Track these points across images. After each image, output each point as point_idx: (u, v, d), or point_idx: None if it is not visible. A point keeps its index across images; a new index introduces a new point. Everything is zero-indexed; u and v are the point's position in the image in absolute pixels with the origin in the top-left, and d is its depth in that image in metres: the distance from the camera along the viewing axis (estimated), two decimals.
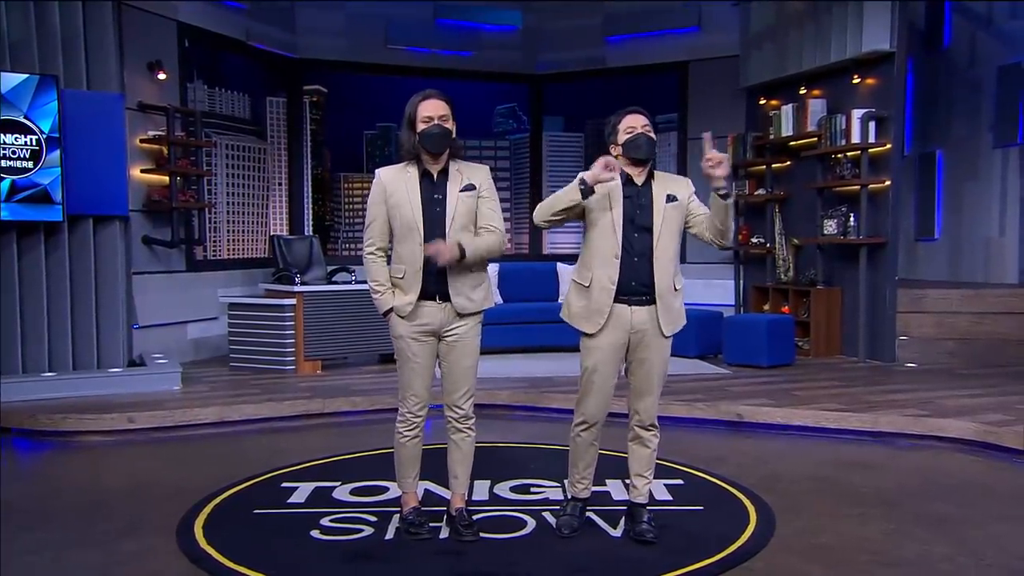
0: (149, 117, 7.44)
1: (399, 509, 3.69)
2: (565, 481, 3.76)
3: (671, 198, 3.42)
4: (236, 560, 3.31)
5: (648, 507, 3.63)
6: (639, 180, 3.44)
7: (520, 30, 10.15)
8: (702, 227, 3.46)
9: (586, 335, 3.46)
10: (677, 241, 3.46)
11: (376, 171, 3.52)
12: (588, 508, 3.76)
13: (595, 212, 3.40)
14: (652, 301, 3.40)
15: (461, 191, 3.42)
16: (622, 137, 3.43)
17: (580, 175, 3.34)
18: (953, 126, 9.13)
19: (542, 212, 3.45)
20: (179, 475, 4.58)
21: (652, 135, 3.43)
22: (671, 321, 3.44)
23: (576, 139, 10.64)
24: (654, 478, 3.71)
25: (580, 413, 3.56)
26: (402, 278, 3.44)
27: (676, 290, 3.47)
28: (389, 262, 3.51)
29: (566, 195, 3.36)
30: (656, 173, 3.50)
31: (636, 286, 3.38)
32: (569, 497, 3.73)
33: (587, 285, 3.43)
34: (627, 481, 3.72)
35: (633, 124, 3.42)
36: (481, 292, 3.50)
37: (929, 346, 7.48)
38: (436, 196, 3.41)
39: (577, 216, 3.44)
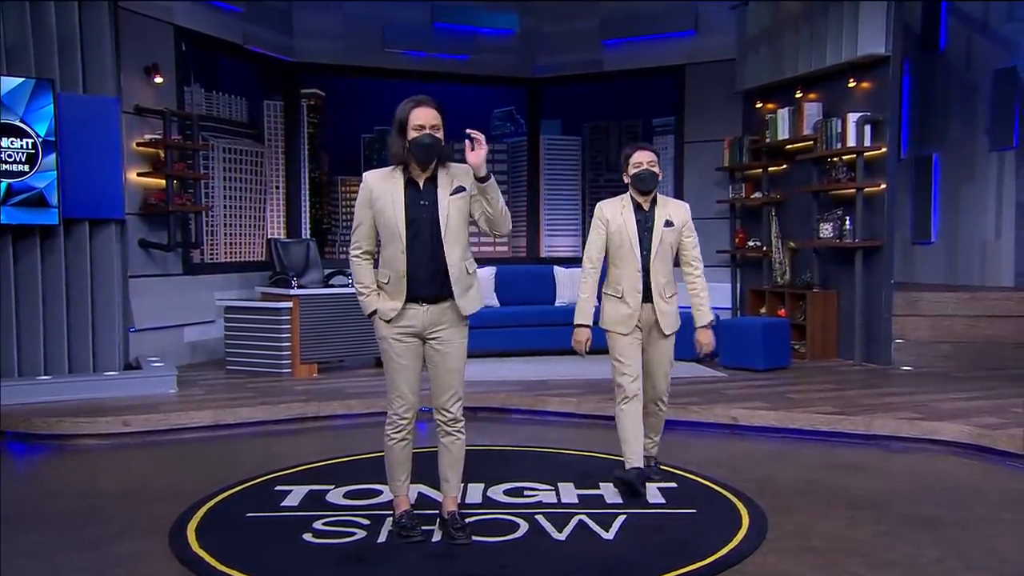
0: (146, 120, 7.45)
1: (392, 512, 3.70)
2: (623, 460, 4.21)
3: (669, 223, 4.12)
4: (228, 563, 3.32)
5: (656, 459, 4.41)
6: (646, 207, 4.15)
7: (517, 34, 10.16)
8: (685, 277, 4.24)
9: (616, 332, 4.15)
10: (670, 258, 4.17)
11: (364, 174, 3.53)
12: (581, 511, 3.90)
13: (617, 238, 4.13)
14: (650, 300, 4.13)
15: (452, 195, 3.45)
16: (631, 170, 4.12)
17: (580, 327, 4.18)
18: (949, 129, 9.13)
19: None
20: (173, 478, 4.59)
21: (655, 169, 4.10)
22: (668, 323, 4.17)
23: (574, 142, 10.67)
24: (648, 481, 4.24)
25: (620, 388, 4.16)
26: (387, 283, 3.47)
27: (668, 298, 4.17)
28: (377, 264, 3.54)
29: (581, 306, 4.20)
30: (659, 198, 4.18)
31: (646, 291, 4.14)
32: (632, 467, 4.10)
33: (620, 296, 4.13)
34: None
35: (640, 160, 4.09)
36: (476, 293, 3.57)
37: (925, 349, 7.48)
38: (423, 203, 3.42)
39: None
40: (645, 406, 4.21)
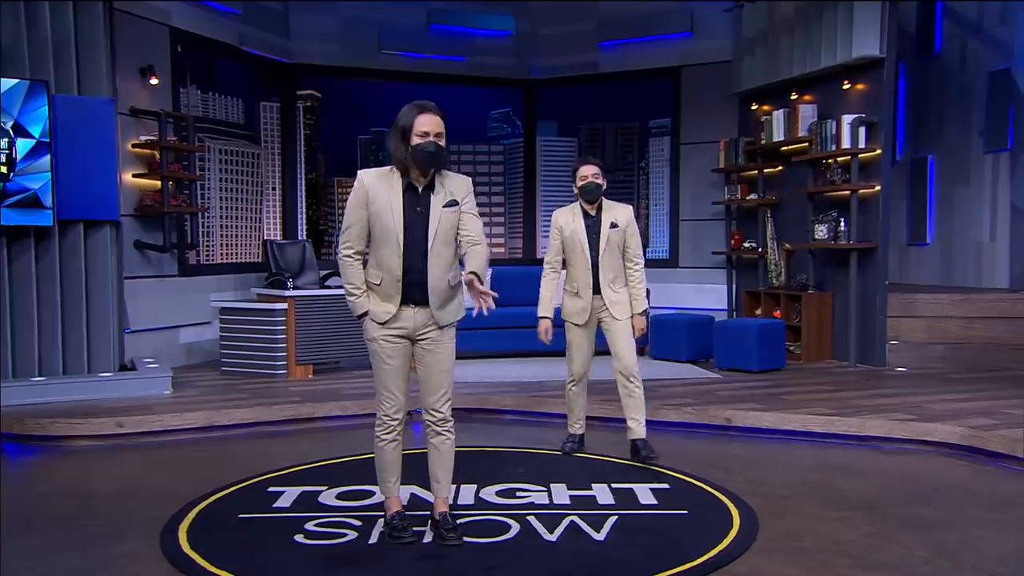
0: (141, 122, 7.46)
1: (383, 513, 3.70)
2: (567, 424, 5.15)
3: (614, 225, 4.76)
4: (219, 565, 3.32)
5: (645, 440, 4.78)
6: (592, 212, 4.79)
7: (513, 35, 10.17)
8: (627, 274, 4.84)
9: (570, 323, 4.86)
10: (617, 256, 4.79)
11: (358, 173, 3.48)
12: (573, 512, 3.92)
13: (570, 242, 4.78)
14: (598, 292, 4.77)
15: (444, 207, 3.44)
16: (579, 182, 4.76)
17: (541, 319, 4.87)
18: (944, 131, 9.15)
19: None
20: (166, 480, 4.59)
21: (599, 180, 4.72)
22: (620, 310, 4.78)
23: (570, 144, 10.67)
24: (640, 482, 4.39)
25: (570, 373, 4.97)
26: (379, 284, 3.46)
27: (617, 289, 4.79)
28: (364, 264, 3.53)
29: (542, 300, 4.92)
30: (604, 203, 4.82)
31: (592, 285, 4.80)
32: (569, 434, 5.08)
33: (576, 291, 4.81)
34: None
35: (585, 174, 4.73)
36: (456, 305, 3.57)
37: (920, 350, 7.49)
38: (419, 209, 3.42)
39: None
40: (619, 384, 4.80)
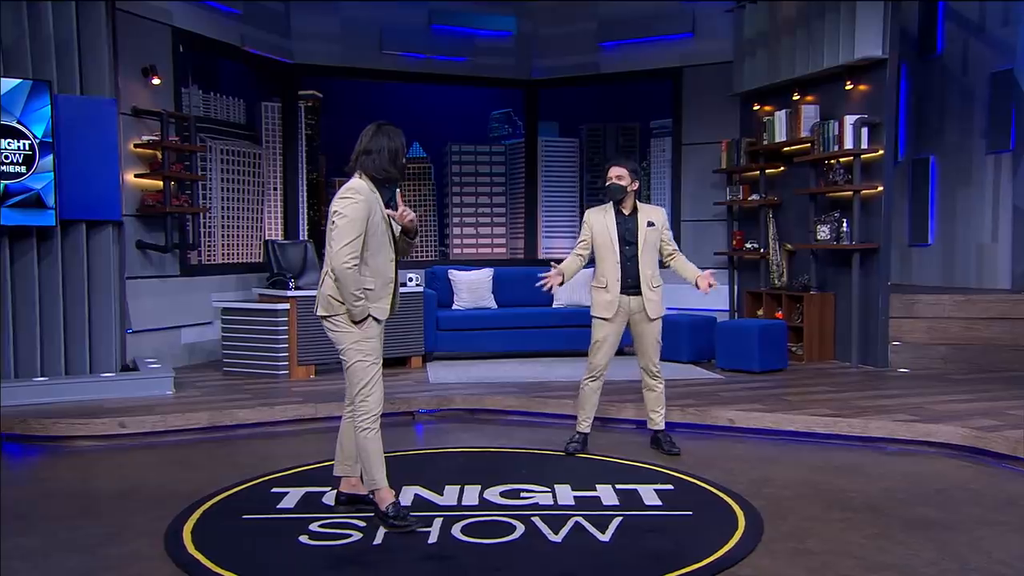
0: (143, 122, 7.45)
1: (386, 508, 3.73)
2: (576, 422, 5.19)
3: (650, 224, 4.95)
4: (223, 565, 3.32)
5: (666, 432, 5.14)
6: (627, 212, 4.97)
7: (515, 36, 10.17)
8: (670, 262, 5.08)
9: (599, 317, 4.95)
10: (654, 253, 4.99)
11: (358, 186, 3.69)
12: (577, 513, 3.92)
13: (600, 238, 4.93)
14: (639, 292, 4.91)
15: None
16: (606, 182, 4.96)
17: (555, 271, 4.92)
18: (946, 132, 9.14)
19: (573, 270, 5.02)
20: (169, 480, 4.58)
21: (622, 183, 4.89)
22: (653, 309, 4.94)
23: (571, 144, 10.68)
24: (644, 483, 4.38)
25: (590, 367, 5.02)
26: (372, 290, 3.72)
27: (654, 288, 4.96)
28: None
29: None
30: (640, 205, 5.01)
31: (630, 281, 4.92)
32: (577, 432, 5.11)
33: (604, 286, 4.92)
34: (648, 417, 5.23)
35: (610, 175, 4.93)
36: None
37: (921, 351, 7.49)
38: (389, 215, 3.79)
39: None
40: (644, 380, 5.10)
